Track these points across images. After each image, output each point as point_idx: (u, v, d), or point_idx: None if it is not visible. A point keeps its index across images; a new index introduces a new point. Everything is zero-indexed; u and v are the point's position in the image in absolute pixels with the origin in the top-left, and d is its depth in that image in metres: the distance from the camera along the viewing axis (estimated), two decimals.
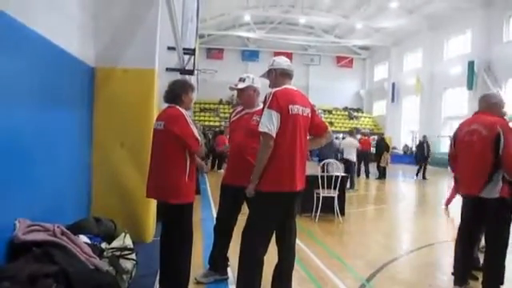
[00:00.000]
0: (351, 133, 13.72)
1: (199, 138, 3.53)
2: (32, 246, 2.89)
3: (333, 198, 7.47)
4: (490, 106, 4.20)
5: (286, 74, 3.45)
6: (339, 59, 37.90)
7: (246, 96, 4.07)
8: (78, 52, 4.50)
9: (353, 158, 12.47)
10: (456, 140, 4.37)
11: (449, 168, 19.08)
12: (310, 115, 3.40)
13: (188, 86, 3.77)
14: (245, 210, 3.63)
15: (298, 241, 3.69)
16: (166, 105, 3.70)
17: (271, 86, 3.45)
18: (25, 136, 3.28)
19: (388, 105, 33.74)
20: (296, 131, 3.24)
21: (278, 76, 3.44)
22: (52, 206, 3.77)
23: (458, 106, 25.03)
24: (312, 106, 3.50)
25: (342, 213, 7.71)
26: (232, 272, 4.14)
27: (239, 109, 4.27)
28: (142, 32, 5.23)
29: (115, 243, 3.84)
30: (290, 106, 3.22)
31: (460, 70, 24.40)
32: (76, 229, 3.65)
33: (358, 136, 14.89)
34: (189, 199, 3.55)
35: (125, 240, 3.89)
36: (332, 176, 7.47)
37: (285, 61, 3.50)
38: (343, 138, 13.86)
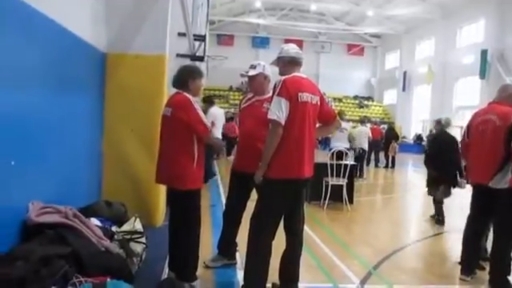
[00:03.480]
0: (362, 121, 13.64)
1: (208, 123, 3.53)
2: (45, 227, 2.95)
3: (341, 186, 7.49)
4: (506, 96, 4.18)
5: (294, 62, 3.44)
6: (350, 47, 37.53)
7: (256, 83, 4.07)
8: (89, 37, 4.53)
9: (365, 146, 12.45)
10: (469, 129, 4.37)
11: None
12: (318, 103, 3.40)
13: (196, 72, 3.71)
14: (254, 196, 3.65)
15: (306, 228, 3.72)
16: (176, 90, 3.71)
17: (281, 74, 3.45)
18: (38, 121, 3.32)
19: (399, 93, 33.44)
20: (305, 119, 3.25)
21: (286, 64, 3.44)
22: (64, 189, 3.83)
23: (470, 95, 24.74)
24: (321, 93, 3.50)
25: (351, 201, 7.73)
26: (240, 257, 4.19)
27: (249, 96, 4.27)
28: (152, 18, 5.23)
29: (125, 227, 3.90)
30: (300, 94, 3.22)
31: (473, 59, 24.04)
32: (87, 212, 3.71)
33: (368, 125, 14.80)
34: (196, 185, 3.56)
35: (135, 224, 3.96)
36: (341, 164, 7.47)
37: (293, 48, 3.49)
38: (353, 127, 13.76)
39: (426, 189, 6.87)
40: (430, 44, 30.29)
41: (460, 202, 4.66)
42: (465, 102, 25.40)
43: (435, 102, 28.17)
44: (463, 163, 4.89)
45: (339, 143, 9.23)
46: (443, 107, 27.10)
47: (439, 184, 6.51)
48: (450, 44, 27.03)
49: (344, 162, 7.53)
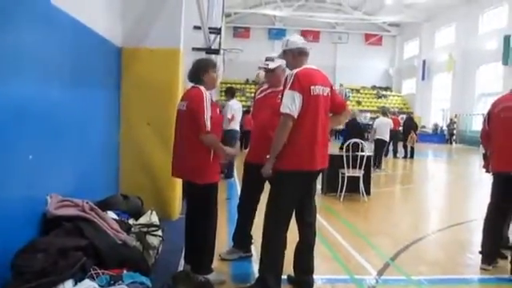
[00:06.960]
0: (384, 112, 13.38)
1: (209, 124, 3.36)
2: (63, 220, 3.00)
3: (358, 177, 7.43)
4: None
5: (303, 53, 3.39)
6: (368, 37, 36.96)
7: (275, 76, 4.02)
8: (105, 32, 4.56)
9: (386, 137, 12.32)
10: (490, 117, 4.28)
11: (480, 147, 18.60)
12: (329, 94, 3.37)
13: (208, 64, 3.69)
14: (267, 188, 3.64)
15: (322, 219, 3.72)
16: (192, 84, 3.71)
17: (290, 67, 3.41)
18: (55, 115, 3.35)
19: (418, 83, 32.90)
20: (318, 111, 3.22)
21: (296, 56, 3.38)
22: (81, 182, 3.89)
23: (493, 82, 24.13)
24: (331, 84, 3.47)
25: (368, 192, 7.66)
26: (256, 250, 4.19)
27: (265, 87, 4.25)
28: (167, 12, 5.25)
29: (142, 220, 3.94)
30: (312, 87, 3.20)
31: (495, 45, 23.46)
32: (104, 205, 3.75)
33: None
34: (213, 179, 3.57)
35: (151, 217, 3.99)
36: (357, 155, 7.40)
37: (299, 39, 3.44)
38: (373, 118, 13.63)
39: None
40: (450, 31, 29.65)
41: (482, 191, 4.56)
42: (487, 89, 24.81)
43: (456, 90, 27.62)
44: (482, 151, 4.78)
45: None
46: (464, 95, 26.57)
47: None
48: (472, 30, 26.39)
49: (360, 154, 7.46)
